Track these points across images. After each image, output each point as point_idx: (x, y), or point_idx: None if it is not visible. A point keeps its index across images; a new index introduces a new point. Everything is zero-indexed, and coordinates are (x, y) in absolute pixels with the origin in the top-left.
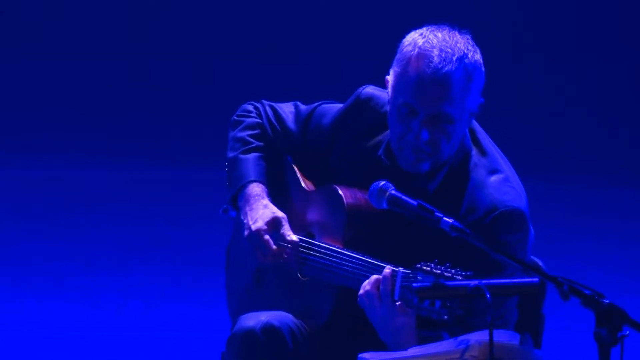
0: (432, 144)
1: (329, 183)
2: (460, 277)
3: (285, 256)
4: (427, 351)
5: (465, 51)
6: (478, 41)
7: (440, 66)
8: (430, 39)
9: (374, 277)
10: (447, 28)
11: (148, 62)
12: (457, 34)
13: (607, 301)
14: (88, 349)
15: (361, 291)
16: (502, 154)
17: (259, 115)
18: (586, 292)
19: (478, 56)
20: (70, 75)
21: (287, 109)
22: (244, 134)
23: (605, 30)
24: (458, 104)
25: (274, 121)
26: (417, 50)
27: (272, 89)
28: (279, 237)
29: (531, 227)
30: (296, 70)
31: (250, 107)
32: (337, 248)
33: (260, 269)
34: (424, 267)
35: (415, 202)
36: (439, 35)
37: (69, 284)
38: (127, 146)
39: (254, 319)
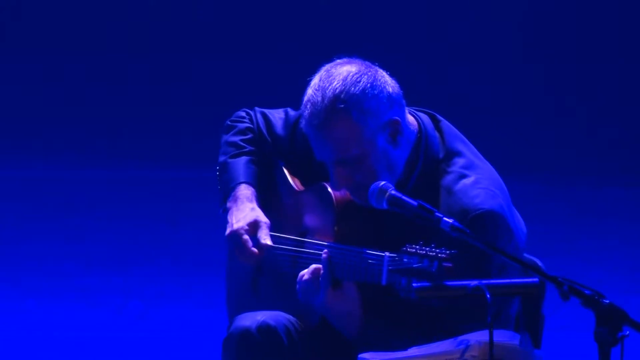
0: (360, 185)
1: (318, 181)
2: (444, 256)
3: (260, 257)
4: (427, 351)
5: (339, 90)
6: (479, 42)
7: (315, 123)
8: (310, 88)
9: (313, 266)
10: (328, 67)
11: (148, 62)
12: (337, 69)
13: (607, 301)
14: (88, 349)
15: (298, 286)
16: (474, 150)
17: (251, 121)
18: (586, 292)
19: (362, 83)
20: (70, 75)
21: (277, 115)
22: (236, 138)
23: (605, 31)
24: (355, 142)
25: (263, 128)
26: (302, 106)
27: (272, 90)
28: (255, 239)
29: (514, 222)
30: (296, 70)
31: (243, 113)
32: (326, 242)
33: (257, 274)
34: (409, 249)
35: (415, 202)
36: (317, 81)
37: (69, 284)
38: (127, 146)
39: (249, 319)
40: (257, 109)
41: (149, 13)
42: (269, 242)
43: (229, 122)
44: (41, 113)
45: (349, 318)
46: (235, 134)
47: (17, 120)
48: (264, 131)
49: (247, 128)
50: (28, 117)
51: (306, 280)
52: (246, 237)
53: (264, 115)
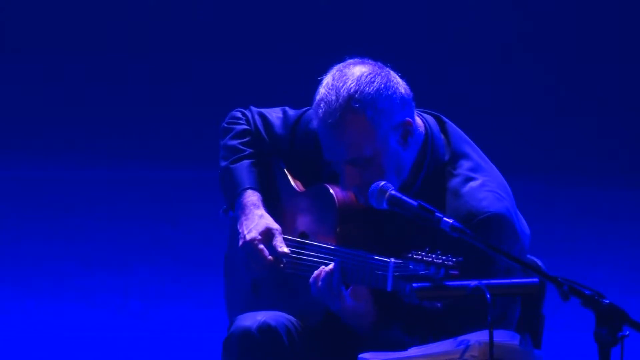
0: (368, 185)
1: (320, 183)
2: (451, 264)
3: (281, 265)
4: (427, 351)
5: (354, 90)
6: (479, 42)
7: (329, 121)
8: (323, 87)
9: (323, 273)
10: (340, 66)
11: (148, 62)
12: (350, 68)
13: (607, 301)
14: (88, 349)
15: (312, 291)
16: (480, 152)
17: (247, 122)
18: (586, 292)
19: (376, 83)
20: (70, 75)
21: (275, 115)
22: (235, 142)
23: (605, 31)
24: (366, 142)
25: (261, 128)
26: (315, 105)
27: (272, 90)
28: (271, 248)
29: (520, 225)
30: (296, 70)
31: (239, 114)
32: (330, 245)
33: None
34: (415, 256)
35: (415, 203)
36: (329, 80)
37: (69, 284)
38: (127, 146)
39: (250, 319)
40: (253, 108)
41: (149, 13)
42: (286, 249)
43: (225, 125)
44: (41, 113)
45: (366, 317)
46: (233, 137)
47: (17, 120)
48: (262, 131)
49: (245, 130)
50: (28, 117)
51: (319, 290)
52: (261, 246)
53: (262, 115)
